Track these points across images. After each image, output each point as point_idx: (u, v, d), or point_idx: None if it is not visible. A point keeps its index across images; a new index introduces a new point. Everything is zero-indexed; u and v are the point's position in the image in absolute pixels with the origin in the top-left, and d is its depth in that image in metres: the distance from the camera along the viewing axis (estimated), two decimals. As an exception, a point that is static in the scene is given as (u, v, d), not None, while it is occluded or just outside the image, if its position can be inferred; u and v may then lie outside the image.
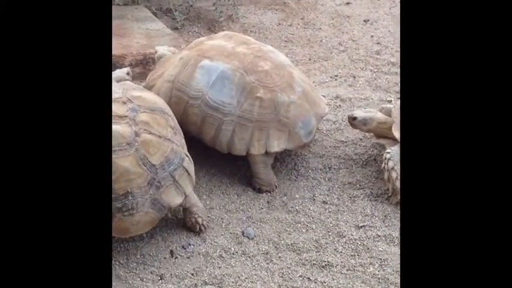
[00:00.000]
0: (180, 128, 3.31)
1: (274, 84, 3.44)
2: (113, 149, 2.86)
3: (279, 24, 5.35)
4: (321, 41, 5.13)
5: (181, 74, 3.56)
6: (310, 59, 4.86)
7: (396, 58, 4.86)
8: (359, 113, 3.56)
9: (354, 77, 4.62)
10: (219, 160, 3.62)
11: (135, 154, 2.95)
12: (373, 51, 4.99)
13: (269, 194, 3.50)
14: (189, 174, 3.13)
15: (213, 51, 3.58)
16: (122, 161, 2.91)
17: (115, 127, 2.93)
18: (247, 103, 3.40)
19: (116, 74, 3.73)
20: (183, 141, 3.28)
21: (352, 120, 3.58)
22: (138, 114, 3.10)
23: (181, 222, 3.24)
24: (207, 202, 3.43)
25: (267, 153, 3.43)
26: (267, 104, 3.39)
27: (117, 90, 3.23)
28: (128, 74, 3.79)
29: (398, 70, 4.69)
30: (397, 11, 5.66)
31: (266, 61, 3.52)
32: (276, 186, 3.52)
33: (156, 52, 4.04)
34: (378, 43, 5.12)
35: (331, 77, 4.62)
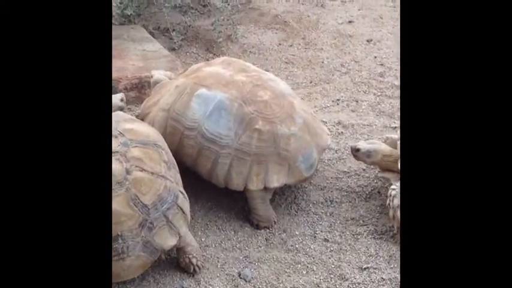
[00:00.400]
0: (174, 162, 3.14)
1: (273, 115, 3.28)
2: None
3: (280, 44, 5.19)
4: (323, 62, 4.98)
5: (177, 102, 3.40)
6: (311, 82, 4.70)
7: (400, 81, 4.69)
8: (362, 145, 3.39)
9: (357, 101, 4.46)
10: (215, 193, 3.46)
11: (125, 194, 2.79)
12: (376, 73, 4.84)
13: (268, 230, 3.33)
14: (183, 212, 2.96)
15: (211, 79, 3.42)
16: (112, 203, 2.74)
17: (105, 164, 2.77)
18: (245, 135, 3.23)
19: None
20: (178, 176, 3.11)
21: (355, 152, 3.41)
22: (130, 149, 2.93)
23: (174, 262, 3.07)
24: (202, 239, 3.26)
25: (265, 188, 3.26)
26: (266, 136, 3.23)
27: (109, 123, 3.07)
28: (121, 100, 3.63)
29: (403, 94, 4.53)
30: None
31: (265, 90, 3.35)
32: (275, 222, 3.36)
33: (151, 76, 3.88)
34: (382, 64, 4.96)
35: (333, 101, 4.46)
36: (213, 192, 3.45)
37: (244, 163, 3.23)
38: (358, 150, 3.38)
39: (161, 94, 3.61)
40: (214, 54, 4.96)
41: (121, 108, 3.59)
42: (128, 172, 2.85)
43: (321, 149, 3.43)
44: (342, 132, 4.10)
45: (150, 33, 5.10)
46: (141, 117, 3.67)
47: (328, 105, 4.41)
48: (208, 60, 4.89)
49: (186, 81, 3.48)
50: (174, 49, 4.97)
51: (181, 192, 3.03)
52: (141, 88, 4.35)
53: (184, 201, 3.01)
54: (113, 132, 2.99)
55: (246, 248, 3.22)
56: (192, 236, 3.07)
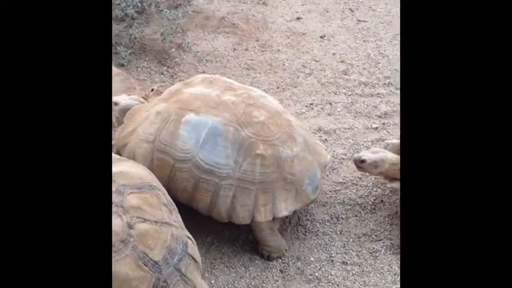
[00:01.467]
0: (172, 202, 2.78)
1: (273, 136, 3.00)
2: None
3: (234, 49, 4.88)
4: (284, 64, 4.73)
5: (162, 132, 3.02)
6: (278, 88, 4.45)
7: (366, 77, 4.57)
8: (367, 155, 3.17)
9: (330, 104, 4.27)
10: (213, 224, 3.13)
11: (132, 254, 2.39)
12: (340, 71, 4.67)
13: (280, 260, 3.07)
14: (195, 261, 2.62)
15: (197, 102, 3.07)
16: (119, 266, 2.35)
17: (104, 221, 2.38)
18: (246, 162, 2.93)
19: None
20: (180, 217, 2.76)
21: (360, 164, 3.19)
22: (126, 198, 2.54)
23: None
24: (212, 281, 2.94)
25: (274, 218, 2.98)
26: (269, 161, 2.94)
27: (93, 167, 2.65)
28: None
29: (373, 91, 4.41)
30: (349, 22, 5.39)
31: (260, 109, 3.06)
32: (286, 250, 3.09)
33: (115, 104, 3.45)
34: (342, 61, 4.80)
35: (306, 106, 4.24)
36: (211, 224, 3.13)
37: (248, 193, 2.93)
38: (363, 161, 3.17)
39: (137, 122, 3.21)
40: (168, 66, 4.57)
41: None
42: (130, 226, 2.46)
43: (322, 167, 3.19)
44: (325, 139, 3.89)
45: (91, 49, 4.59)
46: (117, 150, 3.26)
47: (303, 111, 4.19)
48: (163, 74, 4.50)
49: (168, 106, 3.10)
50: (122, 65, 4.52)
51: (189, 238, 2.68)
52: (99, 115, 3.88)
53: (193, 248, 2.66)
54: (101, 179, 2.59)
55: (263, 285, 2.94)
56: (205, 284, 2.74)
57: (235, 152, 2.93)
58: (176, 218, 2.70)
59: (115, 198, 2.51)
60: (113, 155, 2.89)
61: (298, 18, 5.43)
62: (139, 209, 2.52)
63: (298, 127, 3.14)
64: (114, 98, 3.47)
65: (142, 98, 3.58)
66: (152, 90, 4.20)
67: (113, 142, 3.50)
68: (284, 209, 2.96)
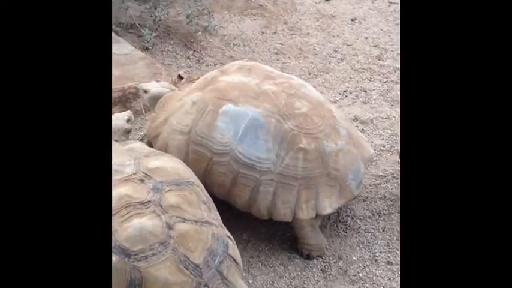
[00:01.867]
0: (211, 198, 2.62)
1: (317, 129, 2.82)
2: (143, 254, 2.19)
3: (262, 32, 4.69)
4: (314, 49, 4.54)
5: (199, 123, 2.85)
6: (310, 74, 4.26)
7: (401, 63, 4.37)
8: None
9: (365, 91, 4.09)
10: (248, 220, 2.98)
11: (173, 257, 2.24)
12: (373, 56, 4.47)
13: (321, 259, 2.91)
14: (236, 263, 2.46)
15: (235, 92, 2.89)
16: (158, 270, 2.20)
17: (140, 222, 2.23)
18: (288, 157, 2.76)
19: (113, 124, 2.94)
20: (218, 215, 2.60)
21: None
22: (164, 195, 2.38)
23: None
24: (249, 281, 2.80)
25: (316, 215, 2.82)
26: (312, 155, 2.77)
27: (127, 161, 2.50)
28: (128, 120, 3.01)
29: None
30: (381, 4, 5.17)
31: (302, 100, 2.88)
32: (326, 248, 2.94)
33: (145, 92, 3.27)
34: (375, 45, 4.61)
35: (340, 94, 4.06)
36: (246, 220, 2.98)
37: (290, 189, 2.77)
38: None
39: (169, 111, 3.04)
40: (195, 50, 4.39)
41: (128, 131, 2.99)
42: (169, 227, 2.31)
43: (366, 162, 3.02)
44: (362, 129, 3.72)
45: (113, 31, 4.41)
46: (149, 141, 3.10)
47: (337, 98, 4.01)
48: (189, 58, 4.32)
49: (204, 95, 2.93)
50: (147, 48, 4.34)
51: (229, 237, 2.53)
52: (125, 102, 3.74)
53: (234, 248, 2.50)
54: (137, 175, 2.44)
55: (304, 285, 2.79)
56: (246, 286, 2.60)
57: (277, 145, 2.77)
58: (215, 216, 2.55)
59: (153, 196, 2.36)
60: (150, 148, 2.73)
61: (327, 0, 5.21)
62: (178, 208, 2.37)
63: (341, 118, 2.97)
64: (144, 85, 3.30)
65: (173, 84, 3.41)
66: (179, 76, 4.03)
67: (143, 132, 3.35)
68: (328, 206, 2.80)
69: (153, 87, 3.28)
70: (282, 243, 2.99)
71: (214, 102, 2.87)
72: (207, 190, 2.71)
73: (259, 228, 3.03)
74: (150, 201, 2.34)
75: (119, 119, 2.97)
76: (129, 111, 3.08)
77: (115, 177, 2.42)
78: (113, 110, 3.63)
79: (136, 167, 2.47)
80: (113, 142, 2.83)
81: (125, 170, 2.44)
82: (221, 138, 2.80)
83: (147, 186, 2.39)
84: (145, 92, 3.27)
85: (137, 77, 3.86)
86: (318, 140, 2.79)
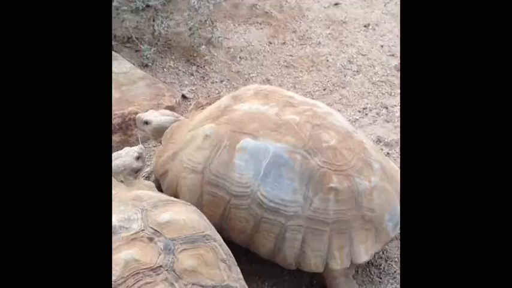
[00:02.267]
0: (230, 252, 2.27)
1: (347, 165, 2.48)
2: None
3: (270, 43, 4.33)
4: (327, 60, 4.19)
5: (213, 161, 2.51)
6: (325, 89, 3.91)
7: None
8: None
9: (386, 108, 3.75)
10: (271, 264, 2.63)
11: None
12: (391, 67, 4.14)
13: (355, 311, 2.58)
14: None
15: (253, 124, 2.54)
16: None
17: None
18: (318, 198, 2.42)
19: (119, 162, 2.59)
20: (239, 271, 2.26)
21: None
22: (177, 257, 2.05)
23: None
24: None
25: (351, 263, 2.49)
26: (344, 196, 2.44)
27: (133, 215, 2.16)
28: (137, 158, 2.65)
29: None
30: (394, 8, 4.83)
31: (329, 131, 2.54)
32: (361, 298, 2.61)
33: (146, 123, 2.91)
34: (392, 55, 4.27)
35: (359, 112, 3.72)
36: (269, 265, 2.64)
37: (321, 236, 2.43)
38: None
39: (178, 144, 2.70)
40: (198, 65, 4.02)
41: (137, 171, 2.64)
42: None
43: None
44: (387, 153, 3.38)
45: (109, 46, 4.03)
46: (157, 179, 2.75)
47: (357, 117, 3.66)
48: (192, 75, 3.96)
49: (218, 127, 2.58)
50: (146, 65, 3.97)
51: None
52: (126, 129, 3.37)
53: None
54: (145, 232, 2.10)
55: None
56: None
57: (304, 185, 2.42)
58: (236, 274, 2.21)
59: (164, 259, 2.03)
60: (159, 195, 2.38)
61: (336, 4, 4.87)
62: (194, 272, 2.05)
63: (372, 150, 2.63)
64: (144, 116, 2.94)
65: (177, 106, 3.06)
66: (183, 96, 3.69)
67: (150, 169, 2.99)
68: (364, 252, 2.47)
69: (154, 117, 2.92)
70: (309, 291, 2.65)
71: (230, 136, 2.53)
72: (224, 235, 2.37)
73: (281, 275, 2.69)
74: (161, 266, 2.01)
75: (128, 155, 2.62)
76: (140, 145, 2.73)
77: (120, 234, 2.08)
78: (114, 139, 3.27)
79: (144, 222, 2.14)
80: (118, 184, 2.49)
81: (131, 226, 2.11)
82: (240, 178, 2.46)
83: (157, 247, 2.06)
84: (146, 123, 2.91)
85: (137, 100, 3.50)
86: (349, 177, 2.46)
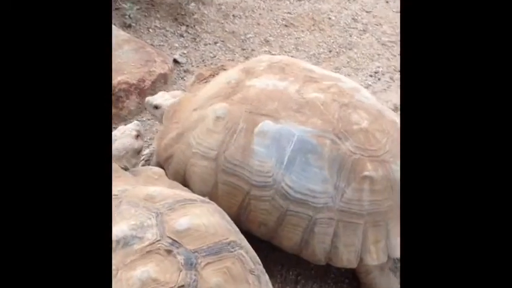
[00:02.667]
0: (257, 258, 1.97)
1: (382, 149, 2.19)
2: None
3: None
4: (329, 18, 3.83)
5: (229, 146, 2.19)
6: (330, 51, 3.57)
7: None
8: None
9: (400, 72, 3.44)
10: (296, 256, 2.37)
11: None
12: (399, 25, 3.79)
13: (389, 306, 2.35)
14: None
15: (272, 103, 2.21)
16: None
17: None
18: (351, 188, 2.13)
19: (119, 145, 2.25)
20: (269, 281, 1.97)
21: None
22: (200, 274, 1.75)
23: None
24: None
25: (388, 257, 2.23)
26: (381, 185, 2.15)
27: (147, 220, 1.84)
28: (137, 136, 2.31)
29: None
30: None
31: (358, 110, 2.23)
32: (395, 292, 2.38)
33: (156, 108, 2.55)
34: (399, 11, 3.92)
35: (371, 76, 3.41)
36: (292, 255, 2.37)
37: (355, 229, 2.16)
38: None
39: (182, 124, 2.36)
40: (188, 25, 3.61)
41: (138, 151, 2.30)
42: None
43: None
44: (405, 123, 3.08)
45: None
46: (160, 164, 2.41)
47: (369, 82, 3.35)
48: (182, 36, 3.56)
49: (231, 108, 2.23)
50: (129, 26, 3.55)
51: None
52: (116, 101, 2.99)
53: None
54: (161, 242, 1.79)
55: None
56: None
57: (334, 174, 2.13)
58: (266, 286, 1.92)
59: (186, 276, 1.74)
60: (173, 193, 2.04)
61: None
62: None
63: (406, 129, 2.33)
64: (153, 99, 2.57)
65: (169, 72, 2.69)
66: (174, 60, 3.31)
67: (149, 150, 2.65)
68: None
69: (164, 100, 2.55)
70: (338, 282, 2.40)
71: (246, 118, 2.19)
72: (242, 228, 2.08)
73: (309, 264, 2.42)
74: (183, 286, 1.70)
75: (126, 135, 2.26)
76: (136, 122, 2.37)
77: (133, 246, 1.77)
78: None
79: (160, 230, 1.82)
80: (123, 173, 2.15)
81: (145, 235, 1.79)
82: (260, 167, 2.14)
83: (176, 261, 1.75)
84: (156, 107, 2.54)
85: (126, 67, 3.10)
86: (385, 163, 2.17)
